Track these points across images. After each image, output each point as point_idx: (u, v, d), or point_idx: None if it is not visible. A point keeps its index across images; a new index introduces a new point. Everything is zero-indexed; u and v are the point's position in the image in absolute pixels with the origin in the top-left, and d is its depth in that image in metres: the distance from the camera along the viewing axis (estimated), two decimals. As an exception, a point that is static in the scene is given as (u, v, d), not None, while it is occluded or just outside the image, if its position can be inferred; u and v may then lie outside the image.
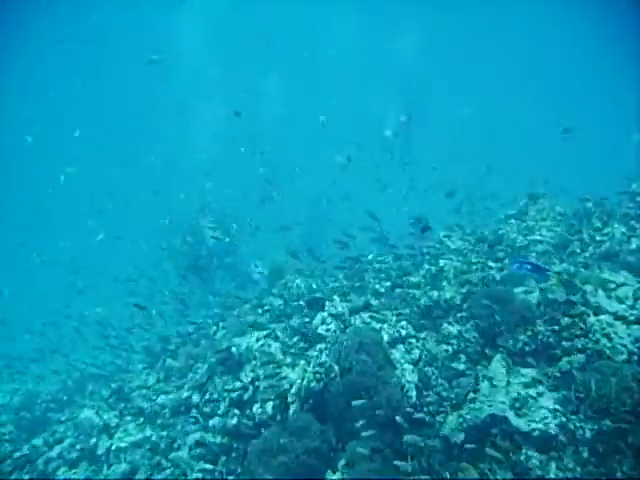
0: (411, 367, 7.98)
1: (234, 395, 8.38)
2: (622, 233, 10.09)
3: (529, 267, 8.10)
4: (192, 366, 10.48)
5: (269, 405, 7.89)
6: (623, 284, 8.84)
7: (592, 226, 10.89)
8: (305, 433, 7.06)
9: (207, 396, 8.99)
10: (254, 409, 7.98)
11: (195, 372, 10.04)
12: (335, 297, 9.80)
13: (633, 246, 9.65)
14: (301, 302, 10.63)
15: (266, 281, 14.02)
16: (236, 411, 8.24)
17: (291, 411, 7.68)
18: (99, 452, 9.52)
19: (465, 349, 8.39)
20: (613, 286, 8.78)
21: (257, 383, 8.31)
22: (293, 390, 7.89)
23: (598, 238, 10.34)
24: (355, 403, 6.96)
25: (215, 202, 19.72)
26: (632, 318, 7.70)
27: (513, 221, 12.16)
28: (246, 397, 8.31)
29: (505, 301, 8.43)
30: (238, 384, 8.49)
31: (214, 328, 11.63)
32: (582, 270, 9.13)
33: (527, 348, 8.01)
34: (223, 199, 20.96)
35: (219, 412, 8.41)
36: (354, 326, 8.75)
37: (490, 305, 8.40)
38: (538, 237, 10.88)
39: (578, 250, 10.47)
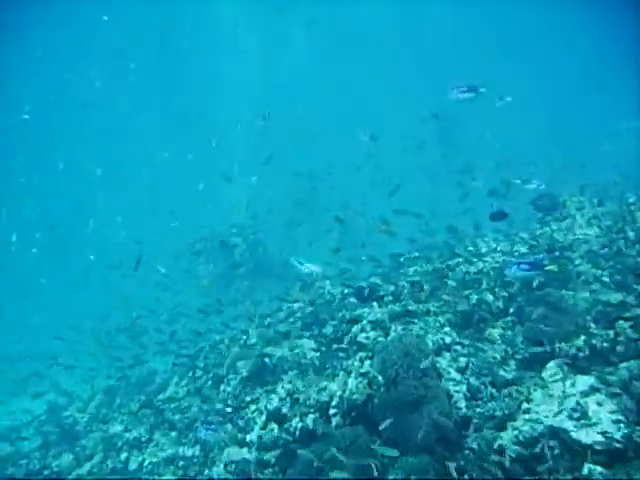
0: (459, 376, 7.56)
1: (271, 407, 8.00)
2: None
3: (527, 267, 7.61)
4: (225, 376, 10.13)
5: (309, 418, 7.51)
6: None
7: (637, 222, 10.39)
8: (353, 448, 6.65)
9: (243, 409, 8.64)
10: (293, 423, 7.60)
11: (227, 384, 9.69)
12: (373, 303, 9.41)
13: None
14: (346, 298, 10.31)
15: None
16: (274, 425, 7.85)
17: (334, 424, 7.29)
18: (131, 468, 9.22)
19: (513, 355, 7.96)
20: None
21: (295, 395, 7.94)
22: (334, 402, 7.50)
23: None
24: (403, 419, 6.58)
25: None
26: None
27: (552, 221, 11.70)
28: (285, 410, 7.93)
29: (555, 304, 7.99)
30: (274, 397, 8.12)
31: (244, 336, 11.30)
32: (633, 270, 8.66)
33: (581, 354, 7.55)
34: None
35: (256, 426, 8.03)
36: (397, 333, 8.32)
37: (539, 309, 7.97)
38: (581, 236, 10.39)
39: (623, 249, 9.98)
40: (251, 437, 7.89)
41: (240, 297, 18.35)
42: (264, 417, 7.97)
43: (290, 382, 8.28)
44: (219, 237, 20.21)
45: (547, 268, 8.64)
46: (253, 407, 8.41)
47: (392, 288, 10.61)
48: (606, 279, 8.60)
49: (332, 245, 16.78)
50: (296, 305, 11.42)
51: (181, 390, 10.93)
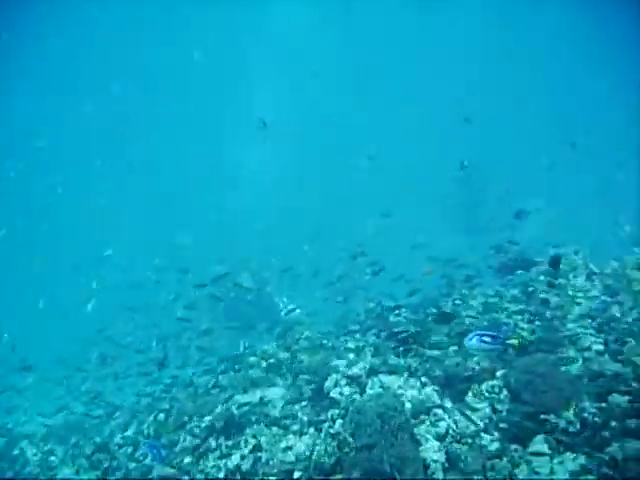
0: (437, 443, 6.91)
1: (232, 466, 7.29)
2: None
3: (489, 339, 7.02)
4: (186, 424, 9.39)
5: (270, 481, 6.82)
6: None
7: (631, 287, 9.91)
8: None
9: (201, 463, 7.90)
10: (255, 485, 6.91)
11: (190, 432, 8.97)
12: (350, 355, 8.80)
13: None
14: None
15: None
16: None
17: (300, 490, 6.61)
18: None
19: (498, 425, 7.33)
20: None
21: (259, 454, 7.25)
22: (300, 466, 6.83)
23: (643, 302, 9.35)
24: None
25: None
26: (695, 400, 6.67)
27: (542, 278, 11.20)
28: (245, 469, 7.22)
29: (544, 371, 7.42)
30: (236, 453, 7.42)
31: (213, 381, 10.61)
32: (630, 339, 8.14)
33: (571, 428, 6.95)
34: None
35: (213, 485, 7.31)
36: (373, 391, 7.70)
37: (527, 375, 7.39)
38: (574, 298, 9.90)
39: (618, 315, 9.48)
40: (206, 497, 7.18)
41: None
42: (222, 475, 7.26)
43: (254, 437, 7.61)
44: None
45: (509, 342, 8.15)
46: (210, 463, 7.65)
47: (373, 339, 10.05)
48: (600, 347, 8.06)
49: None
50: (271, 350, 10.77)
51: (142, 433, 10.16)
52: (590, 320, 9.18)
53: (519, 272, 12.06)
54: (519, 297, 10.77)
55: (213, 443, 8.21)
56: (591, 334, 8.52)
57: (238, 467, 7.21)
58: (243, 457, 7.31)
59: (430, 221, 24.20)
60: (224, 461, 7.40)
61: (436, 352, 8.91)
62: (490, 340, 6.94)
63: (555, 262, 9.83)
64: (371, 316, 11.81)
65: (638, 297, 9.50)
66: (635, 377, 7.19)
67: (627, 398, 6.90)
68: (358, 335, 10.80)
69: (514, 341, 8.28)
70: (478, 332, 7.11)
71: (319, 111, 42.31)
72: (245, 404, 8.72)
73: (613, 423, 6.74)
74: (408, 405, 7.38)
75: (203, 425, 8.70)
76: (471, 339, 6.97)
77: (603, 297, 9.89)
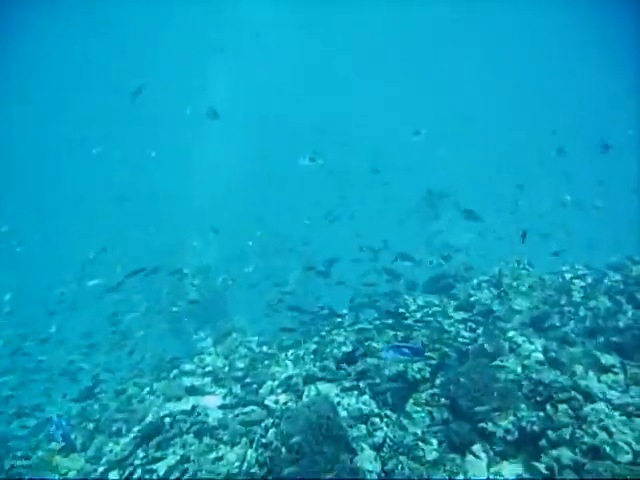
0: (374, 453, 6.66)
1: (155, 478, 6.86)
2: (607, 309, 9.18)
3: (407, 351, 6.91)
4: (115, 433, 8.89)
5: (199, 494, 6.45)
6: (612, 366, 7.88)
7: (571, 298, 9.97)
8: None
9: (126, 476, 7.42)
10: (183, 497, 6.51)
11: (117, 443, 8.47)
12: (287, 362, 8.50)
13: (620, 324, 8.70)
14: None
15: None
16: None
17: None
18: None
19: (436, 434, 7.15)
20: (602, 368, 7.81)
21: (187, 465, 6.85)
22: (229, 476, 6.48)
23: (581, 313, 9.39)
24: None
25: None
26: (632, 409, 6.64)
27: (485, 287, 11.18)
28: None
29: (484, 380, 7.29)
30: (162, 465, 6.99)
31: (146, 390, 10.11)
32: (568, 347, 8.13)
33: (509, 437, 6.82)
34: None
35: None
36: (308, 399, 7.41)
37: (467, 384, 7.26)
38: (516, 307, 9.88)
39: (558, 323, 9.50)
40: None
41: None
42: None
43: (183, 447, 7.21)
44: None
45: (427, 354, 8.05)
46: (136, 475, 7.18)
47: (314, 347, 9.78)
48: (539, 355, 8.00)
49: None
50: (208, 358, 10.36)
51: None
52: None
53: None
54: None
55: (141, 454, 7.76)
56: (530, 342, 8.49)
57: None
58: (170, 468, 6.89)
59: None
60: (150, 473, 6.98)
61: (376, 360, 8.69)
62: (407, 352, 6.80)
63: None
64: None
65: None
66: (572, 385, 7.15)
67: (564, 406, 6.85)
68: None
69: (433, 354, 8.20)
70: (395, 344, 7.01)
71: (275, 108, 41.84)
72: (178, 413, 8.31)
73: (550, 433, 6.66)
74: (344, 413, 7.12)
75: (131, 436, 8.22)
76: (388, 351, 6.81)
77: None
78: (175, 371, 10.21)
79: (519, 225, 17.02)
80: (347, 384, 8.04)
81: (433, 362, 8.48)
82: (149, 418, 8.49)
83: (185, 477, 6.63)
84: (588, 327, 9.02)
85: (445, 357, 8.54)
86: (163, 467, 6.96)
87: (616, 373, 7.55)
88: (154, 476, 6.87)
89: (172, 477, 6.77)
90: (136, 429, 8.32)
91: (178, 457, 7.04)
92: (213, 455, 6.85)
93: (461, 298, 11.11)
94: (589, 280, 10.34)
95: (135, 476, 7.16)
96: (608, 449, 6.04)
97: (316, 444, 6.12)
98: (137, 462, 7.61)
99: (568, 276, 10.66)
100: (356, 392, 7.76)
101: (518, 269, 11.32)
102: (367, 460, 6.50)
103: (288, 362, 8.62)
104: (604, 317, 9.00)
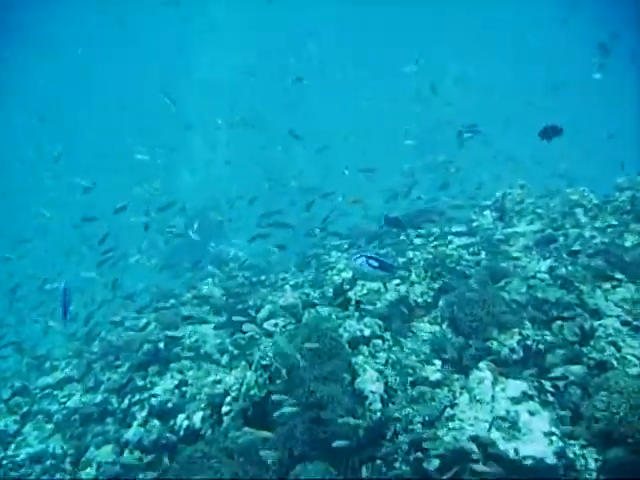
0: (376, 374, 6.50)
1: (155, 402, 6.74)
2: (613, 228, 8.93)
3: (375, 264, 6.57)
4: (112, 363, 8.77)
5: (197, 416, 6.33)
6: (619, 285, 7.68)
7: (577, 220, 9.69)
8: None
9: (126, 402, 7.32)
10: (178, 420, 6.39)
11: (115, 371, 8.35)
12: (286, 286, 8.29)
13: (628, 243, 8.46)
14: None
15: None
16: (156, 422, 6.59)
17: (224, 425, 6.13)
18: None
19: (440, 354, 7.00)
20: (609, 287, 7.61)
21: (185, 388, 6.73)
22: (228, 398, 6.35)
23: (587, 234, 9.13)
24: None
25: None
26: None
27: (488, 212, 10.90)
28: (170, 405, 6.70)
29: (487, 300, 7.08)
30: (159, 389, 6.86)
31: (143, 320, 9.96)
32: (573, 267, 7.91)
33: (515, 356, 6.68)
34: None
35: (136, 422, 6.73)
36: (307, 320, 7.22)
37: (469, 305, 7.05)
38: (519, 230, 9.62)
39: (563, 245, 9.28)
40: (128, 436, 6.59)
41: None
42: (145, 412, 6.70)
43: (181, 372, 7.08)
44: None
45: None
46: (135, 397, 7.08)
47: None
48: (545, 275, 7.79)
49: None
50: (205, 288, 10.18)
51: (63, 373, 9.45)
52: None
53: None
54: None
55: (139, 381, 7.66)
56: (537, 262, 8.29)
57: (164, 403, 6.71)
58: (168, 391, 6.79)
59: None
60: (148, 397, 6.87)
61: (375, 284, 8.49)
62: (377, 265, 6.49)
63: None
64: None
65: None
66: (579, 303, 6.97)
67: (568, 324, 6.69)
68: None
69: (405, 273, 7.74)
70: (366, 253, 6.60)
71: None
72: (174, 338, 8.19)
73: (558, 350, 6.52)
74: (346, 335, 6.95)
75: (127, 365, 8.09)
76: (357, 259, 6.48)
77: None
78: (172, 300, 10.05)
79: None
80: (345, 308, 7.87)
81: (435, 286, 8.30)
82: (146, 346, 8.33)
83: (184, 399, 6.53)
84: (594, 248, 8.81)
85: (447, 280, 8.33)
86: (160, 391, 6.83)
87: (623, 291, 7.39)
88: (152, 400, 6.76)
89: (171, 402, 6.66)
90: (133, 357, 8.19)
91: (177, 381, 6.91)
92: (211, 378, 6.71)
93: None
94: (594, 201, 10.05)
95: (133, 400, 7.06)
96: (616, 363, 5.90)
97: (316, 365, 5.95)
98: (135, 387, 7.51)
99: (574, 197, 10.35)
100: (357, 314, 7.59)
101: (522, 192, 11.00)
102: (371, 380, 6.36)
103: (286, 286, 8.43)
104: (610, 237, 8.76)
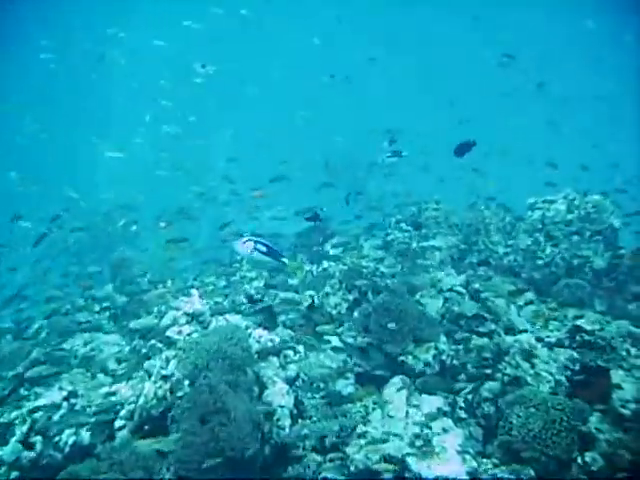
0: (286, 387, 6.12)
1: (38, 416, 6.00)
2: (527, 246, 9.02)
3: (264, 249, 6.18)
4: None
5: (86, 431, 5.69)
6: (531, 302, 7.75)
7: (490, 237, 9.76)
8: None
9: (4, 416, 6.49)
10: (64, 436, 5.72)
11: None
12: (192, 291, 7.75)
13: (539, 262, 8.56)
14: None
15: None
16: (38, 438, 5.86)
17: (117, 441, 5.53)
18: None
19: (353, 368, 6.71)
20: (522, 303, 7.64)
21: (74, 400, 6.05)
22: (123, 412, 5.75)
23: (500, 250, 9.21)
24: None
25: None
26: (553, 340, 6.45)
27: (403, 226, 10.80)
28: (56, 418, 5.99)
29: (403, 313, 6.86)
30: (44, 401, 6.14)
31: (36, 326, 9.10)
32: (487, 282, 7.89)
33: (428, 370, 6.49)
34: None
35: (14, 439, 5.94)
36: (215, 327, 6.71)
37: (385, 317, 6.81)
38: (435, 244, 9.56)
39: (475, 261, 9.32)
40: (3, 453, 5.80)
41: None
42: (26, 427, 5.94)
43: (71, 383, 6.39)
44: None
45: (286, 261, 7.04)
46: (14, 413, 6.28)
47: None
48: (460, 289, 7.71)
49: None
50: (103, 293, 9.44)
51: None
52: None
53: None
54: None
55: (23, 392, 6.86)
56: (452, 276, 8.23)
57: (49, 417, 5.97)
58: (56, 405, 6.07)
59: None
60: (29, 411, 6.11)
61: (290, 294, 8.14)
62: (265, 250, 6.11)
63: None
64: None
65: None
66: (494, 318, 6.90)
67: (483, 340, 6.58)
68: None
69: (294, 264, 7.23)
70: (254, 238, 6.18)
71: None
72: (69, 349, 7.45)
73: (471, 367, 6.39)
74: (255, 345, 6.52)
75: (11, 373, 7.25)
76: (244, 243, 6.06)
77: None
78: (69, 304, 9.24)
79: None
80: (258, 318, 7.46)
81: (349, 297, 8.04)
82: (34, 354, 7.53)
83: (71, 413, 5.85)
84: (507, 264, 8.88)
85: (362, 292, 8.09)
86: (46, 403, 6.10)
87: (536, 307, 7.44)
88: (35, 414, 6.03)
89: (57, 415, 5.96)
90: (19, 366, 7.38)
91: (65, 392, 6.22)
92: (105, 389, 6.08)
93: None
94: (507, 219, 10.17)
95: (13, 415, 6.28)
96: (530, 379, 5.82)
97: (220, 374, 5.48)
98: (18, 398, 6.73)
99: (487, 214, 10.44)
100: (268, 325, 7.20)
101: (437, 208, 10.99)
102: (280, 393, 5.96)
103: (193, 291, 7.87)
104: (523, 254, 8.86)
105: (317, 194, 12.77)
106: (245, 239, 6.10)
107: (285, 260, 6.40)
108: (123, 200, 16.97)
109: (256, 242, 6.06)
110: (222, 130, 26.33)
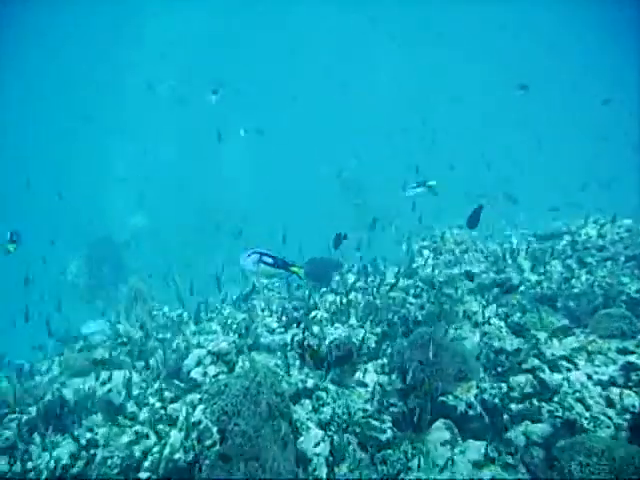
0: (321, 432, 5.70)
1: (57, 466, 5.59)
2: (560, 274, 8.65)
3: (270, 261, 5.95)
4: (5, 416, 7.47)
5: (109, 486, 5.27)
6: (573, 333, 7.33)
7: (520, 264, 9.40)
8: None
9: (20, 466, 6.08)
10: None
11: (7, 426, 7.07)
12: (216, 326, 7.37)
13: (575, 290, 8.16)
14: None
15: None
16: (54, 494, 5.44)
17: (142, 497, 5.11)
18: None
19: (389, 409, 6.28)
20: (562, 335, 7.23)
21: (94, 451, 5.65)
22: (147, 463, 5.34)
23: (534, 278, 8.82)
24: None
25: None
26: (604, 378, 6.02)
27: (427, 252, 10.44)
28: (75, 471, 5.58)
29: (438, 349, 6.44)
30: (65, 451, 5.73)
31: (47, 363, 8.74)
32: (526, 314, 7.49)
33: (471, 412, 6.06)
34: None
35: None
36: (243, 370, 6.30)
37: (418, 354, 6.40)
38: (462, 270, 9.18)
39: (505, 289, 8.92)
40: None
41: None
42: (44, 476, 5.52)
43: (91, 430, 5.98)
44: None
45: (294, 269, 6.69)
46: (29, 464, 5.86)
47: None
48: (497, 321, 7.31)
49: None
50: (121, 328, 9.05)
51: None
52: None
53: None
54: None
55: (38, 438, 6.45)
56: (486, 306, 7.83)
57: (65, 468, 5.56)
58: (74, 456, 5.65)
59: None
60: (48, 459, 5.69)
61: (316, 328, 7.74)
62: (271, 262, 5.83)
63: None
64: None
65: None
66: (537, 353, 6.49)
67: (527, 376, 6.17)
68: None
69: (297, 269, 6.92)
70: (260, 250, 5.92)
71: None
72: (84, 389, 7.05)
73: (515, 406, 5.97)
74: (286, 386, 6.12)
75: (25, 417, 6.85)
76: (249, 256, 5.79)
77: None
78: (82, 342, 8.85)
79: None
80: (288, 353, 7.07)
81: (378, 331, 7.66)
82: (48, 397, 7.13)
83: (93, 464, 5.44)
84: (540, 293, 8.48)
85: (392, 325, 7.71)
86: (64, 453, 5.69)
87: (577, 339, 7.01)
88: (51, 464, 5.61)
89: (76, 468, 5.56)
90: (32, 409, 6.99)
91: (85, 440, 5.81)
92: (127, 438, 5.67)
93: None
94: (535, 246, 9.82)
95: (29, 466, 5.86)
96: (586, 423, 5.38)
97: (252, 422, 5.08)
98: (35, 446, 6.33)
99: (515, 241, 10.12)
100: (297, 363, 6.79)
101: (460, 233, 10.65)
102: (314, 439, 5.55)
103: (214, 325, 7.50)
104: (557, 282, 8.47)
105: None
106: (249, 252, 5.84)
107: (294, 269, 6.10)
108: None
109: (261, 254, 5.80)
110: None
